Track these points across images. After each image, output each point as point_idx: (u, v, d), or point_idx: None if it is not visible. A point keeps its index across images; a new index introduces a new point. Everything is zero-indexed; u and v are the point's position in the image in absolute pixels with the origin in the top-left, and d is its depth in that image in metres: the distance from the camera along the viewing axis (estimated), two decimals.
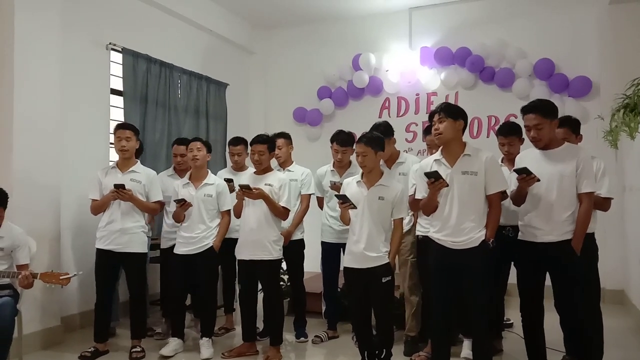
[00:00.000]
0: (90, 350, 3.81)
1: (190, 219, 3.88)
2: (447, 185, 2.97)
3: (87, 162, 4.53)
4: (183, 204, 3.80)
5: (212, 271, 4.04)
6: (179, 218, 3.91)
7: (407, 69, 6.36)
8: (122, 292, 4.42)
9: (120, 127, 3.94)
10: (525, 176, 2.97)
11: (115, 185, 3.71)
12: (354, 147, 4.15)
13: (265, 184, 3.75)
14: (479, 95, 6.15)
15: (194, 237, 3.86)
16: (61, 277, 3.23)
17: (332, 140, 4.14)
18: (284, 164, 4.38)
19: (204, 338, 3.91)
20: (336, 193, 3.33)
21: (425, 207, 3.17)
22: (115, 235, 3.80)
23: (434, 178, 2.93)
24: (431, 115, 3.19)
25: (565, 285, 3.06)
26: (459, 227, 2.99)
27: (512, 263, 3.48)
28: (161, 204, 4.09)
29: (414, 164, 3.73)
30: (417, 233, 3.71)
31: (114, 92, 5.02)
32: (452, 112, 3.05)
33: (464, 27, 6.20)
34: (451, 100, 6.20)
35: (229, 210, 3.98)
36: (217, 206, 3.95)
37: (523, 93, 5.81)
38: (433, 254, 3.14)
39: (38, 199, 3.99)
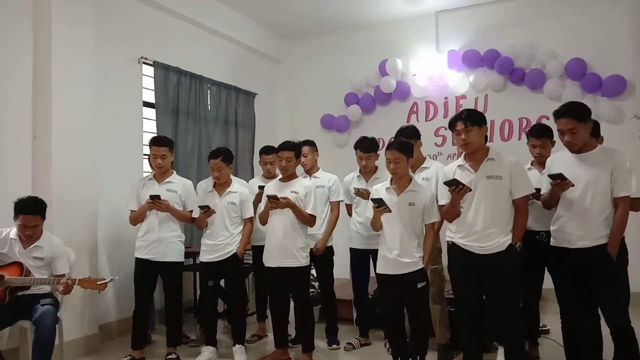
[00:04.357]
0: (126, 358, 3.89)
1: (213, 226, 3.93)
2: (470, 190, 2.94)
3: (122, 175, 4.65)
4: (207, 211, 3.85)
5: (238, 276, 4.07)
6: (201, 225, 3.97)
7: (435, 72, 6.32)
8: (157, 300, 4.52)
9: (155, 143, 3.99)
10: (560, 181, 2.92)
11: (151, 196, 3.80)
12: (378, 152, 4.18)
13: (291, 191, 3.77)
14: (509, 97, 6.05)
15: (217, 244, 3.90)
16: (98, 283, 3.33)
17: (355, 147, 4.14)
18: (310, 170, 4.41)
19: (236, 345, 3.96)
20: (371, 197, 3.33)
21: (447, 213, 3.14)
22: (152, 245, 3.89)
23: (454, 186, 2.91)
24: (452, 122, 3.12)
25: (599, 290, 2.97)
26: (485, 233, 2.96)
27: (546, 268, 3.41)
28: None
29: (440, 170, 3.71)
30: (448, 239, 3.67)
31: (146, 104, 5.16)
32: (476, 119, 3.02)
33: (491, 29, 6.12)
34: (480, 103, 6.15)
35: (252, 217, 4.03)
36: (240, 213, 4.00)
37: (555, 94, 5.69)
38: (457, 259, 3.11)
39: (76, 211, 4.11)
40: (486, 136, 3.15)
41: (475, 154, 3.05)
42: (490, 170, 2.98)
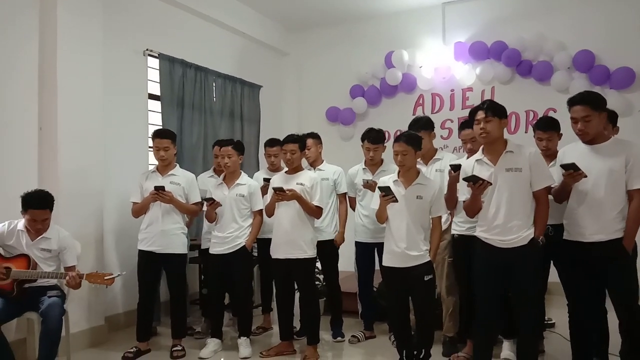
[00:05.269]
0: (132, 350, 3.91)
1: (223, 219, 3.94)
2: (491, 184, 2.92)
3: (128, 167, 4.66)
4: (212, 203, 3.85)
5: (246, 270, 4.08)
6: (210, 217, 3.98)
7: (441, 64, 6.27)
8: (163, 292, 4.54)
9: (157, 135, 4.00)
10: (572, 172, 2.87)
11: (156, 187, 3.80)
12: (385, 144, 4.16)
13: (297, 183, 3.77)
14: (516, 89, 6.00)
15: (227, 236, 3.91)
16: (106, 278, 3.33)
17: (363, 139, 4.13)
18: (314, 163, 4.40)
19: (242, 337, 3.97)
20: (379, 185, 3.32)
21: (468, 208, 3.12)
22: (156, 237, 3.90)
23: (472, 182, 2.90)
24: (472, 112, 3.10)
25: (611, 284, 2.94)
26: (506, 226, 2.93)
27: (552, 262, 3.38)
28: (200, 206, 4.16)
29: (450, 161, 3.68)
30: (453, 232, 3.66)
31: (152, 97, 5.15)
32: (498, 111, 3.00)
33: (498, 21, 6.06)
34: (487, 95, 6.10)
35: (261, 210, 4.03)
36: (250, 206, 4.00)
37: (562, 86, 5.64)
38: (479, 253, 3.09)
39: (82, 204, 4.13)
40: None
41: (494, 147, 3.02)
42: (510, 163, 2.96)
